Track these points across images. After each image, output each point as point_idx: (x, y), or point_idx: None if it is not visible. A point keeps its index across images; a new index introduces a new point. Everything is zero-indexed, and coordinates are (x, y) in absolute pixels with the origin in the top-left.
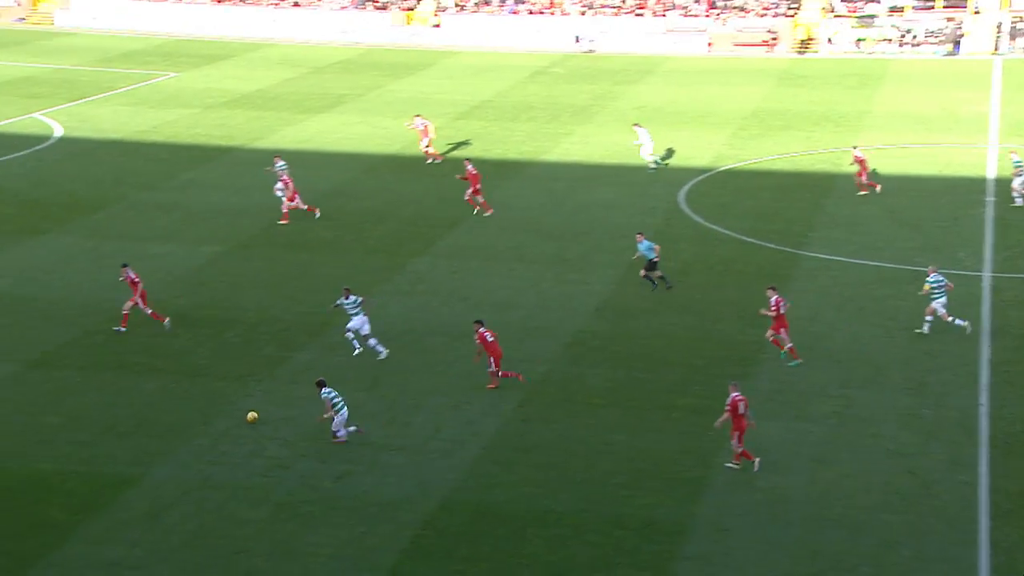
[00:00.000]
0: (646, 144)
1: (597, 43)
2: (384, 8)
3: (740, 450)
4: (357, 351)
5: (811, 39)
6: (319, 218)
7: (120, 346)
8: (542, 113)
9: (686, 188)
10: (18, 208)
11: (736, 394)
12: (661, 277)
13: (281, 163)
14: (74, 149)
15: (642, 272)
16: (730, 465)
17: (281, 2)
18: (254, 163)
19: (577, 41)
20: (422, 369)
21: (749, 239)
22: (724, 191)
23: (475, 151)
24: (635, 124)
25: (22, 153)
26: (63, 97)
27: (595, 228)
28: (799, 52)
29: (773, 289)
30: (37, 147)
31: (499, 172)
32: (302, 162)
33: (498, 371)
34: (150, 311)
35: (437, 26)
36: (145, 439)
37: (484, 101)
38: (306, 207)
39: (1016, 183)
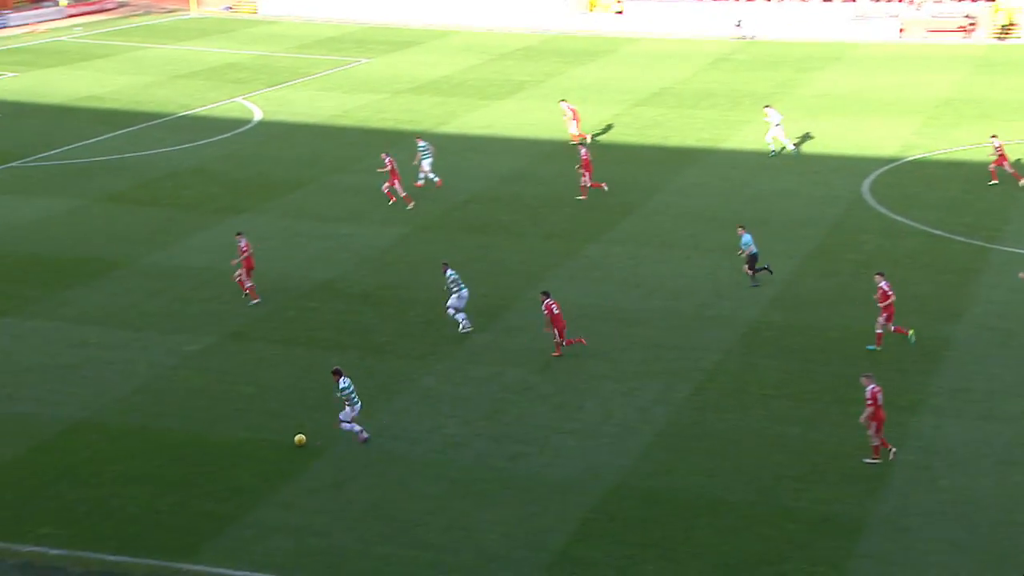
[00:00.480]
0: (773, 127)
1: (756, 31)
2: None
3: (877, 443)
4: (467, 328)
5: (1012, 24)
6: (496, 201)
7: (310, 322)
8: (723, 100)
9: (871, 178)
10: (222, 188)
11: (873, 385)
12: (765, 268)
13: (423, 143)
14: (272, 132)
15: (746, 268)
16: (869, 461)
17: None
18: (438, 148)
19: (737, 26)
20: (595, 354)
21: (937, 231)
22: (912, 181)
23: (653, 138)
24: (766, 105)
25: (226, 135)
26: (263, 82)
27: (773, 217)
28: (999, 38)
29: (881, 275)
30: (239, 130)
31: (677, 159)
32: (482, 148)
33: (563, 341)
34: (249, 284)
35: (620, 13)
36: (331, 412)
37: (664, 88)
38: (404, 195)
39: None
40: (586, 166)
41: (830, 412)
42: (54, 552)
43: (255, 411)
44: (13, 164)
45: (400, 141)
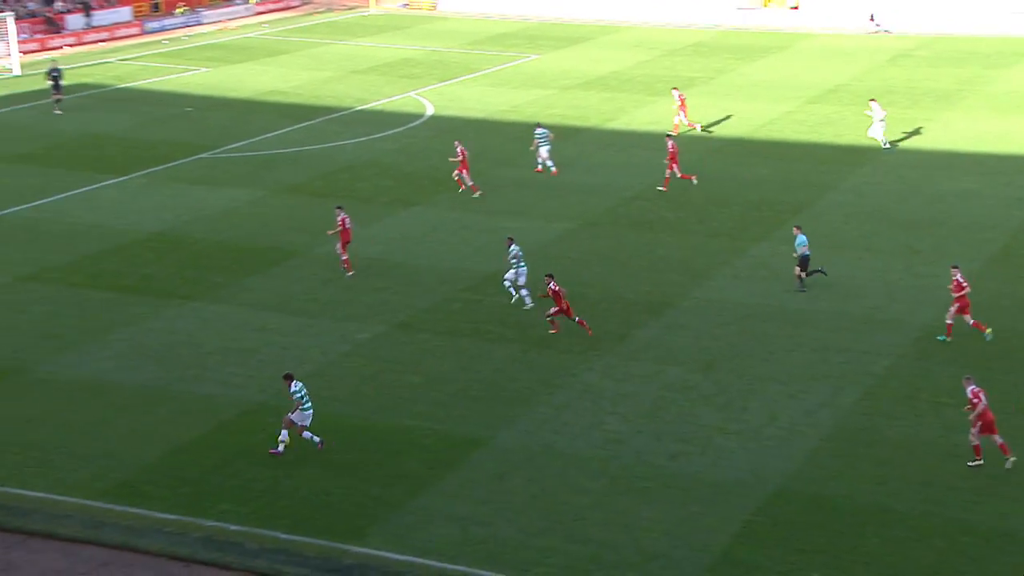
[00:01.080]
0: (877, 121)
1: (890, 25)
2: None
3: (976, 443)
4: (529, 305)
5: None
6: (662, 198)
7: (475, 314)
8: (902, 98)
9: None
10: (394, 181)
11: (973, 386)
12: (819, 270)
13: (541, 130)
14: (443, 126)
15: (797, 270)
16: (972, 464)
17: None
18: (606, 144)
19: (871, 20)
20: (759, 354)
21: None
22: None
23: (826, 136)
24: (871, 99)
25: (399, 129)
26: (436, 77)
27: (951, 219)
28: None
29: (956, 268)
30: (411, 124)
31: (851, 158)
32: (649, 144)
33: (573, 319)
34: (345, 257)
35: (795, 8)
36: (494, 404)
37: (839, 85)
38: (471, 184)
39: None
40: (672, 158)
41: (1010, 423)
42: (233, 528)
43: (421, 400)
44: (203, 155)
45: (571, 136)
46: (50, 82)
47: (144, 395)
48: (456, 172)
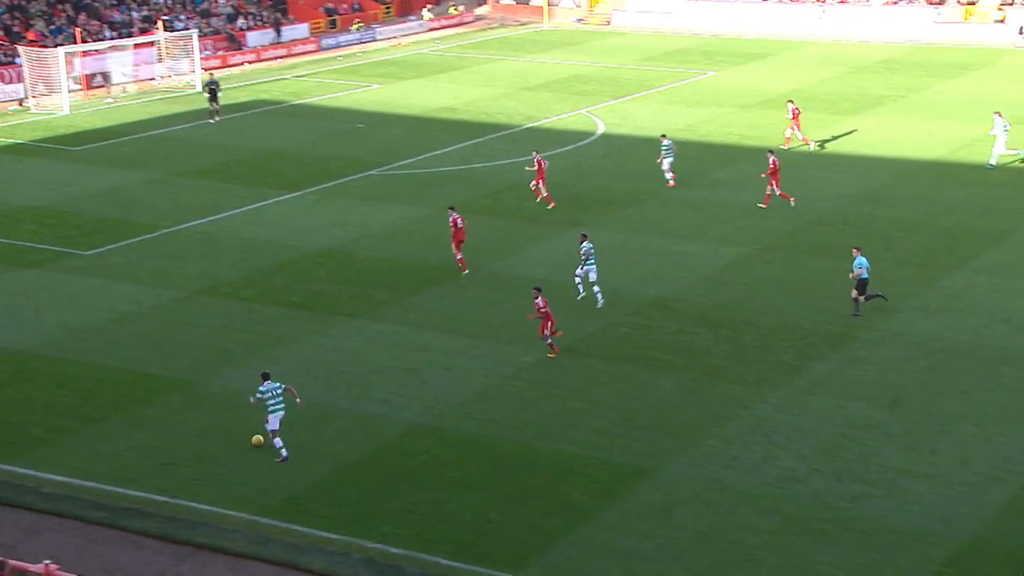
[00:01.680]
0: (1000, 139)
1: None
2: (940, 3)
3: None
4: (581, 295)
5: None
6: (843, 225)
7: (643, 340)
8: None
9: None
10: (562, 200)
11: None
12: (878, 295)
13: (667, 142)
14: (613, 145)
15: (854, 292)
16: None
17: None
18: (785, 165)
19: (1021, 33)
20: (952, 392)
21: None
22: None
23: None
24: (996, 112)
25: (568, 148)
26: (608, 94)
27: None
28: None
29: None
30: (582, 142)
31: None
32: (834, 166)
33: (549, 335)
34: (459, 256)
35: (1001, 21)
36: (660, 434)
37: None
38: (546, 195)
39: None
40: (773, 174)
41: None
42: (394, 551)
43: (584, 427)
44: (372, 172)
45: (748, 156)
46: (207, 95)
47: (310, 410)
48: (533, 183)
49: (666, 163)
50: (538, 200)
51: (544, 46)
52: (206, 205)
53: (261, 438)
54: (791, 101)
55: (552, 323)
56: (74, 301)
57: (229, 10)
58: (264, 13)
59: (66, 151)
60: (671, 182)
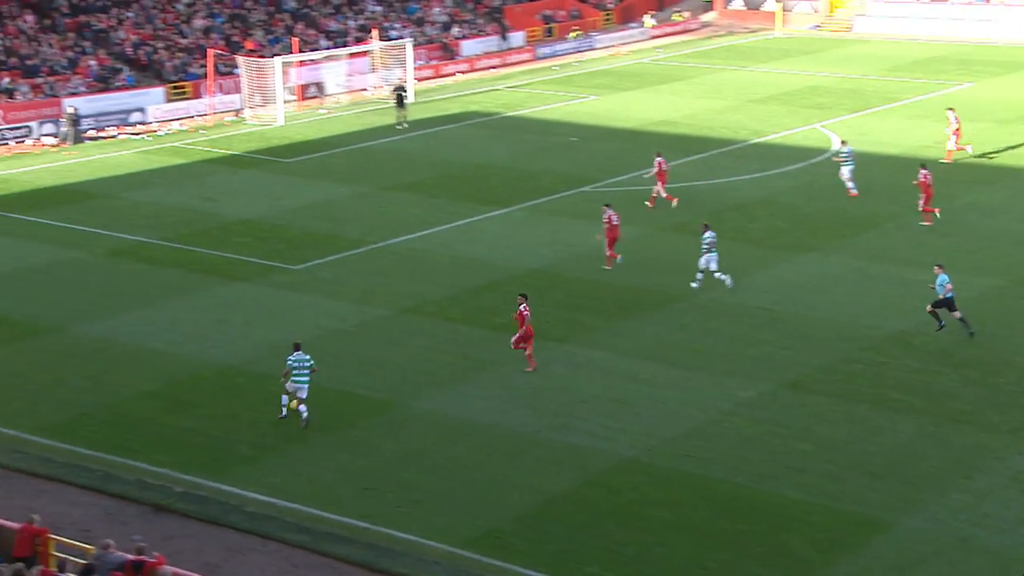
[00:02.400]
0: None
1: None
2: None
3: None
4: (696, 284)
5: None
6: None
7: (879, 377)
8: None
9: None
10: (790, 223)
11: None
12: (961, 320)
13: (846, 149)
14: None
15: (928, 307)
16: None
17: None
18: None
19: None
20: None
21: None
22: None
23: None
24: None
25: (798, 165)
26: (846, 108)
27: None
28: None
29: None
30: (813, 160)
31: None
32: None
33: (522, 347)
34: (609, 253)
35: None
36: (897, 483)
37: None
38: (665, 195)
39: None
40: (924, 188)
41: None
42: None
43: (810, 471)
44: (584, 188)
45: (1005, 177)
46: (393, 100)
47: (513, 440)
48: (655, 188)
49: (845, 170)
50: (651, 207)
51: (776, 55)
52: (414, 220)
53: (296, 402)
54: (951, 109)
55: (529, 339)
56: (282, 317)
57: (444, 18)
58: (479, 20)
59: (279, 163)
60: (852, 191)
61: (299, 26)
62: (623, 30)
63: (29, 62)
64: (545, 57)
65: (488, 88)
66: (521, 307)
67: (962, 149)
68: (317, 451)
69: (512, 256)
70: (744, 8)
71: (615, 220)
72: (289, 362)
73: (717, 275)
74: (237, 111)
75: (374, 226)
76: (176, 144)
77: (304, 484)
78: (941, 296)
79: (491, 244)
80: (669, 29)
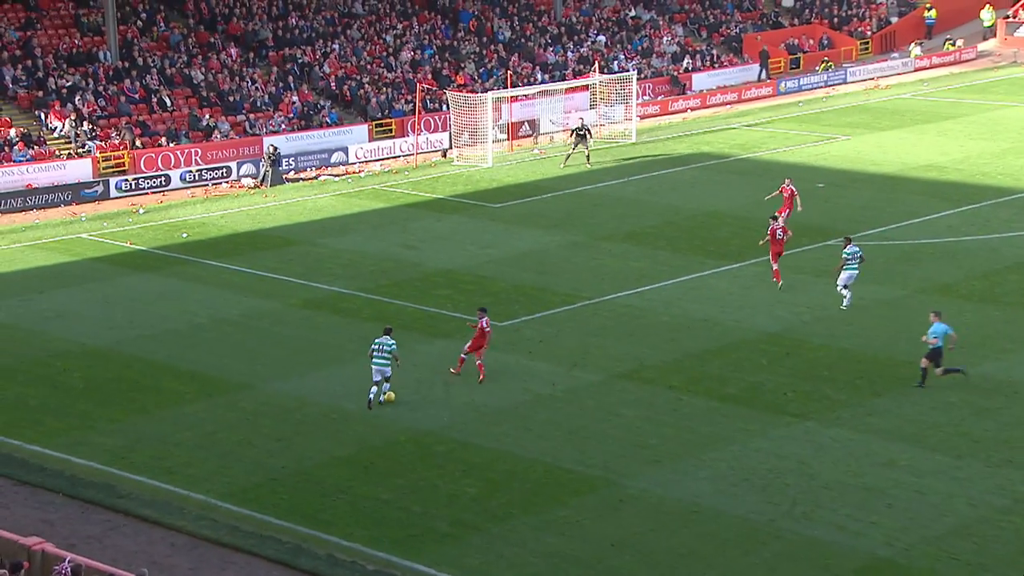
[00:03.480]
0: None
1: None
2: None
3: None
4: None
5: None
6: None
7: None
8: None
9: None
10: None
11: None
12: (948, 371)
13: None
14: None
15: (923, 362)
16: None
17: None
18: None
19: None
20: None
21: None
22: None
23: None
24: None
25: None
26: None
27: None
28: None
29: None
30: None
31: None
32: None
33: (472, 356)
34: (775, 267)
35: None
36: None
37: None
38: (783, 227)
39: None
40: None
41: None
42: None
43: None
44: (831, 241)
45: None
46: (574, 139)
47: (743, 529)
48: (780, 224)
49: None
50: (762, 243)
51: None
52: (633, 274)
53: (393, 395)
54: None
55: (482, 348)
56: (487, 379)
57: (674, 49)
58: (715, 51)
59: (486, 208)
60: None
61: (513, 58)
62: (883, 60)
63: (231, 98)
64: (789, 92)
65: (722, 127)
66: (482, 321)
67: None
68: (521, 531)
69: (744, 317)
70: None
71: (780, 234)
72: (372, 346)
73: (842, 291)
74: (444, 151)
75: (588, 280)
76: (378, 186)
77: (506, 569)
78: (933, 348)
79: (720, 303)
80: (938, 60)
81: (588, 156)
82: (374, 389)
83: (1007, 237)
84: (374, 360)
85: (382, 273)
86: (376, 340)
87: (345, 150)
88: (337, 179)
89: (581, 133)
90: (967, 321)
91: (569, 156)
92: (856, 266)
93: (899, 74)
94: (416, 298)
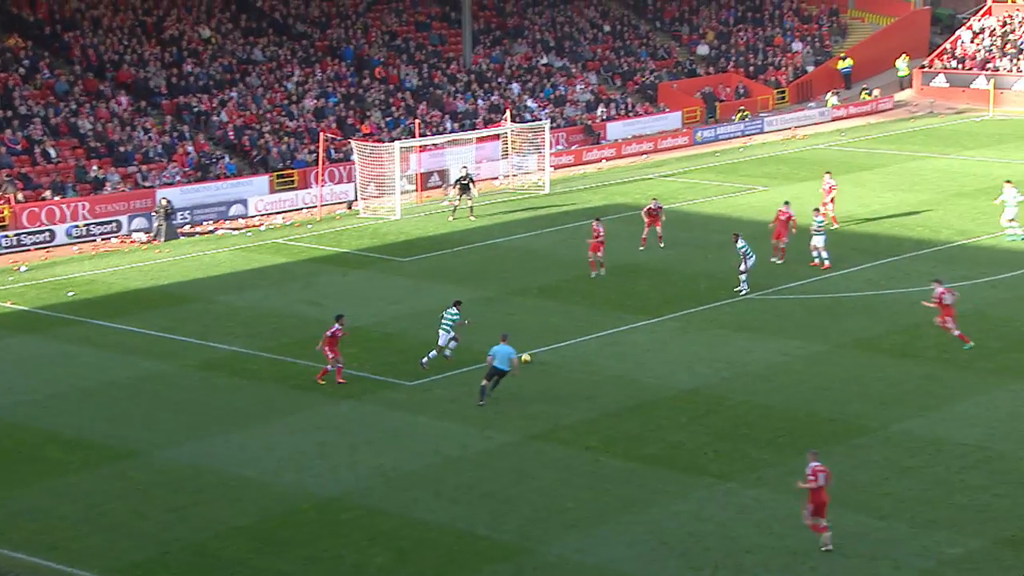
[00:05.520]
0: (1009, 207)
1: None
2: None
3: (811, 523)
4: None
5: None
6: None
7: None
8: None
9: None
10: (1003, 341)
11: (816, 464)
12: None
13: None
14: None
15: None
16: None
17: None
18: None
19: None
20: None
21: None
22: None
23: None
24: (1006, 181)
25: (1014, 273)
26: None
27: None
28: None
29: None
30: None
31: None
32: None
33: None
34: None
35: None
36: None
37: None
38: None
39: None
40: None
41: None
42: None
43: None
44: (752, 295)
45: None
46: (457, 189)
47: None
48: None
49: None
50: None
51: (987, 140)
52: (547, 330)
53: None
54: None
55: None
56: (393, 441)
57: (588, 97)
58: (629, 100)
59: (394, 262)
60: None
61: (421, 107)
62: (799, 110)
63: (121, 148)
64: (706, 141)
65: (637, 177)
66: (334, 328)
67: None
68: None
69: (662, 374)
70: (948, 86)
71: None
72: (443, 320)
73: (742, 276)
74: (349, 203)
75: (514, 335)
76: (280, 240)
77: None
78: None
79: (638, 359)
80: (855, 109)
81: (471, 209)
82: (433, 352)
83: (927, 290)
84: (442, 325)
85: (284, 331)
86: (450, 310)
87: (244, 202)
88: (236, 233)
89: (465, 184)
90: (888, 376)
91: (456, 208)
92: (752, 255)
93: (816, 123)
94: (320, 358)
